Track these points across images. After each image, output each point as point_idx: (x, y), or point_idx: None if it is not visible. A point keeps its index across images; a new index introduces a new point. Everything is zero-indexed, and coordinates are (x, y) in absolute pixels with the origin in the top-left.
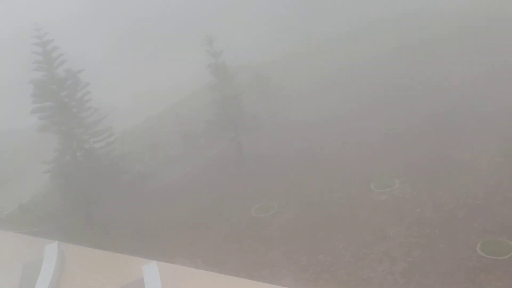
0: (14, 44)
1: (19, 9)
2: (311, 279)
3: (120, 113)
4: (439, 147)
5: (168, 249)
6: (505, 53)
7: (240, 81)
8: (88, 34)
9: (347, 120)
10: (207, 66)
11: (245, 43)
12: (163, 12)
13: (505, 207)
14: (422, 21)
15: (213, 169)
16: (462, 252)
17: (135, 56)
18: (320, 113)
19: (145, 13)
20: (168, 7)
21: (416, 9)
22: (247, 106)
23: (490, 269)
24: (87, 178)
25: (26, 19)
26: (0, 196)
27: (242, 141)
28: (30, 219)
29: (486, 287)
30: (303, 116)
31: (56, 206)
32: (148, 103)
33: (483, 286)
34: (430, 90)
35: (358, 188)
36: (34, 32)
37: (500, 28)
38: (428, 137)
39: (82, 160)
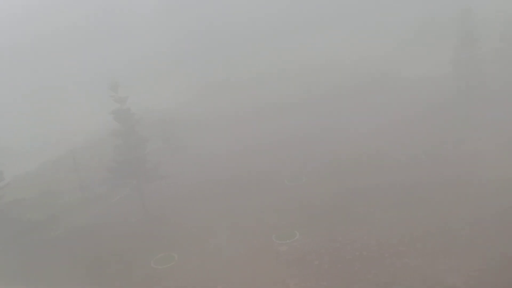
0: None
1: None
2: None
3: (15, 156)
4: (339, 199)
5: None
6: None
7: (148, 127)
8: None
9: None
10: (111, 112)
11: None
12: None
13: (397, 260)
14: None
15: (112, 218)
16: None
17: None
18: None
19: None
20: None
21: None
22: (152, 153)
23: None
24: None
25: None
26: None
27: (144, 188)
28: None
29: None
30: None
31: None
32: (46, 147)
33: None
34: (327, 140)
35: (259, 239)
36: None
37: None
38: (329, 188)
39: None
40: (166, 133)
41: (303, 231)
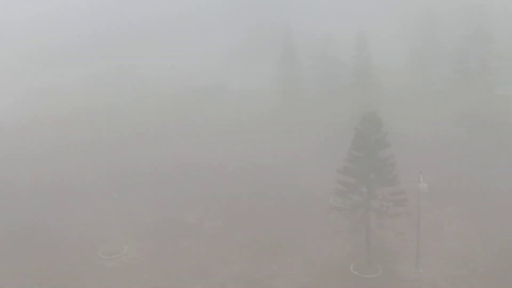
0: None
1: None
2: None
3: None
4: (167, 210)
5: None
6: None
7: None
8: None
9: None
10: None
11: None
12: None
13: (225, 268)
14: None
15: None
16: None
17: None
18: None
19: None
20: None
21: None
22: None
23: None
24: None
25: None
26: None
27: None
28: None
29: None
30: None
31: None
32: None
33: None
34: (148, 151)
35: (84, 256)
36: None
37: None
38: (155, 200)
39: None
40: None
41: (132, 244)
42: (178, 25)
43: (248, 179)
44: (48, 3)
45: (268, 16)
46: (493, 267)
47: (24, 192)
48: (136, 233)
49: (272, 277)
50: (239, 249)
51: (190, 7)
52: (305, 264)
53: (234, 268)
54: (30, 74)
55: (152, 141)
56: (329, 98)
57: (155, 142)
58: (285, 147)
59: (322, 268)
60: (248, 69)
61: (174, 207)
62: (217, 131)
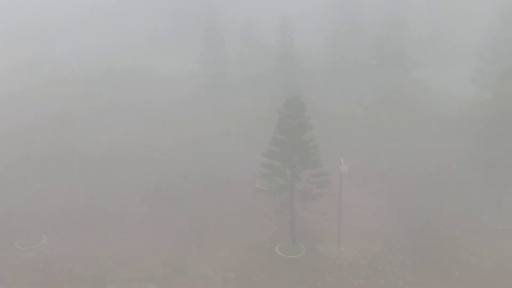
0: None
1: None
2: None
3: None
4: (90, 198)
5: None
6: None
7: None
8: None
9: None
10: None
11: None
12: None
13: (152, 255)
14: None
15: None
16: None
17: None
18: None
19: None
20: None
21: None
22: None
23: None
24: None
25: None
26: None
27: None
28: None
29: None
30: None
31: None
32: None
33: None
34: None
35: (1, 248)
36: None
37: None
38: (79, 189)
39: None
40: None
41: (52, 234)
42: (101, 8)
43: (174, 164)
44: None
45: (194, 1)
46: (408, 243)
47: None
48: (57, 222)
49: (199, 262)
50: (167, 235)
51: None
52: (232, 248)
53: (162, 254)
54: None
55: (73, 126)
56: (254, 82)
57: (75, 127)
58: (210, 131)
59: (248, 250)
60: (172, 53)
61: (98, 195)
62: (139, 115)
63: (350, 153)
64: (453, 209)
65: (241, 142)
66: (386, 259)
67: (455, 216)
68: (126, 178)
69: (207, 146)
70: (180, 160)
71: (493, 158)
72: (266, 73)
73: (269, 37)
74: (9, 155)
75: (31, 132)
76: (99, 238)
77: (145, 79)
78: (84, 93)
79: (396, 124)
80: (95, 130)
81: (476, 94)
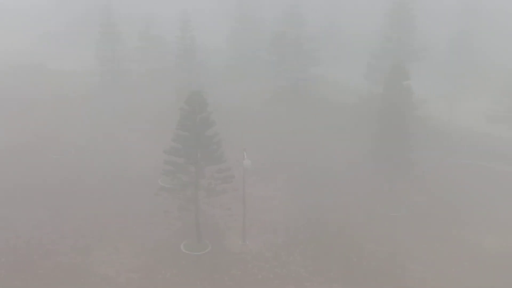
0: None
1: None
2: None
3: None
4: None
5: None
6: None
7: None
8: None
9: None
10: None
11: None
12: None
13: (47, 260)
14: None
15: None
16: None
17: None
18: None
19: None
20: None
21: None
22: None
23: None
24: None
25: None
26: None
27: None
28: None
29: None
30: None
31: None
32: None
33: None
34: None
35: None
36: None
37: None
38: None
39: None
40: None
41: None
42: None
43: (73, 164)
44: None
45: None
46: (309, 234)
47: None
48: None
49: (100, 265)
50: (64, 238)
51: None
52: (135, 248)
53: (60, 258)
54: None
55: None
56: (155, 78)
57: None
58: (110, 129)
59: (152, 250)
60: (69, 50)
61: None
62: (35, 112)
63: (253, 148)
64: (351, 200)
65: (142, 139)
66: (288, 250)
67: (352, 206)
68: (23, 178)
69: (107, 144)
70: (78, 160)
71: (385, 148)
72: (167, 69)
73: (171, 33)
74: None
75: None
76: None
77: (39, 76)
78: None
79: (295, 118)
80: None
81: (369, 89)
